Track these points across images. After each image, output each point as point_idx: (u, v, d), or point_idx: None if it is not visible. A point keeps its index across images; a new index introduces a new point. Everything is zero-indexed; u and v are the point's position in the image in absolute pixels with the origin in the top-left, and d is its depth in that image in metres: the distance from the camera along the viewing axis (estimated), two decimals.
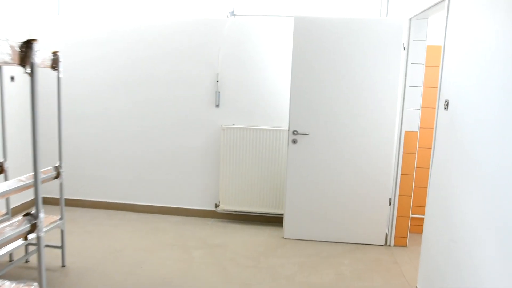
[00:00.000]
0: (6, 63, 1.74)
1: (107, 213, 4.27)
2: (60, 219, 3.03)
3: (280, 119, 4.02)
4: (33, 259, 3.15)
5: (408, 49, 3.41)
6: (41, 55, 2.58)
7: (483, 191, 1.97)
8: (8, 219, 2.98)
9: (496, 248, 1.81)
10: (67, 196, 4.39)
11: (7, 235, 1.87)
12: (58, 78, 2.84)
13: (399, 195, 3.58)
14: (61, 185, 3.01)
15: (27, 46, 1.83)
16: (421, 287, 2.74)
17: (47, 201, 4.44)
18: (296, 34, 3.45)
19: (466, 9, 2.25)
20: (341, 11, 4.02)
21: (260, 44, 3.95)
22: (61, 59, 2.88)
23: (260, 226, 4.02)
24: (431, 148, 3.89)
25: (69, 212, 4.24)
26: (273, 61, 3.96)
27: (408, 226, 3.62)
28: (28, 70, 1.87)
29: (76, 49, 4.19)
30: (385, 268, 3.20)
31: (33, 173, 2.02)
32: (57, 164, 2.97)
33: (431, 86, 3.76)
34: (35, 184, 1.96)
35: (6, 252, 2.41)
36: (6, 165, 2.97)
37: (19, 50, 1.81)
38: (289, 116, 3.57)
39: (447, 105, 2.45)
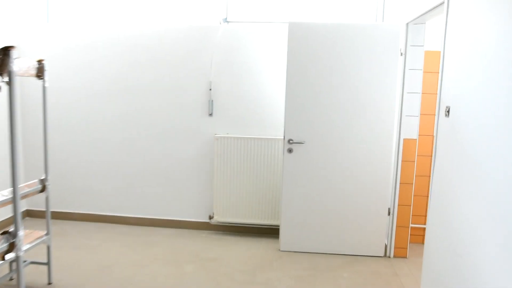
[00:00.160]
0: None
1: (97, 226, 4.12)
2: (46, 234, 2.89)
3: (275, 127, 3.91)
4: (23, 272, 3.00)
5: (405, 54, 3.33)
6: (25, 64, 2.47)
7: (488, 199, 1.87)
8: None
9: (505, 261, 1.70)
10: (54, 208, 4.24)
11: None
12: (44, 88, 2.72)
13: (398, 205, 3.48)
14: (47, 199, 2.88)
15: (4, 53, 1.72)
16: None
17: (35, 214, 4.30)
18: (291, 40, 3.36)
19: (466, 13, 2.17)
20: (336, 16, 3.94)
21: (254, 51, 3.86)
22: (47, 67, 2.77)
23: (255, 238, 3.89)
24: (430, 156, 3.82)
25: (57, 225, 4.09)
26: (268, 68, 3.86)
27: (408, 236, 3.51)
28: (6, 79, 1.76)
29: (65, 57, 4.07)
30: (385, 281, 3.08)
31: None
32: (42, 177, 2.84)
33: (429, 93, 3.68)
34: (14, 200, 1.84)
35: None
36: None
37: None
38: (284, 125, 3.46)
39: (448, 111, 2.35)
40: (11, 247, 1.85)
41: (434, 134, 2.56)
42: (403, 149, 3.41)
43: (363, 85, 3.36)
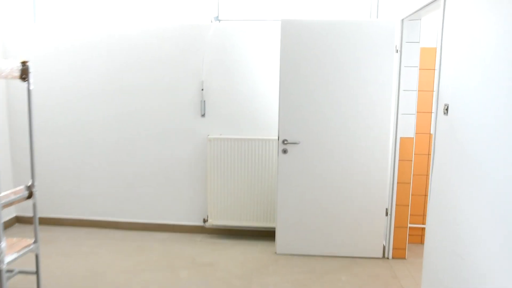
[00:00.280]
0: None
1: (88, 231, 4.01)
2: (34, 242, 2.78)
3: (269, 127, 3.83)
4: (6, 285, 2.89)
5: (401, 51, 3.26)
6: (7, 65, 2.37)
7: (488, 199, 1.81)
8: None
9: (505, 261, 1.64)
10: (43, 214, 4.13)
11: None
12: (29, 90, 2.62)
13: (396, 205, 3.41)
14: (34, 205, 2.77)
15: None
16: None
17: (24, 221, 4.18)
18: (284, 38, 3.29)
19: (464, 7, 2.10)
20: (329, 13, 3.87)
21: (247, 50, 3.78)
22: (31, 69, 2.66)
23: (251, 241, 3.81)
24: (427, 155, 3.76)
25: (46, 232, 3.98)
26: (261, 67, 3.78)
27: (406, 237, 3.45)
28: None
29: (53, 58, 3.96)
30: (384, 283, 3.01)
31: None
32: (29, 183, 2.73)
33: (426, 90, 3.62)
34: None
35: None
36: None
37: None
38: (279, 125, 3.38)
39: (446, 109, 2.29)
40: None
41: (432, 133, 2.49)
42: (400, 148, 3.35)
43: (358, 83, 3.29)
